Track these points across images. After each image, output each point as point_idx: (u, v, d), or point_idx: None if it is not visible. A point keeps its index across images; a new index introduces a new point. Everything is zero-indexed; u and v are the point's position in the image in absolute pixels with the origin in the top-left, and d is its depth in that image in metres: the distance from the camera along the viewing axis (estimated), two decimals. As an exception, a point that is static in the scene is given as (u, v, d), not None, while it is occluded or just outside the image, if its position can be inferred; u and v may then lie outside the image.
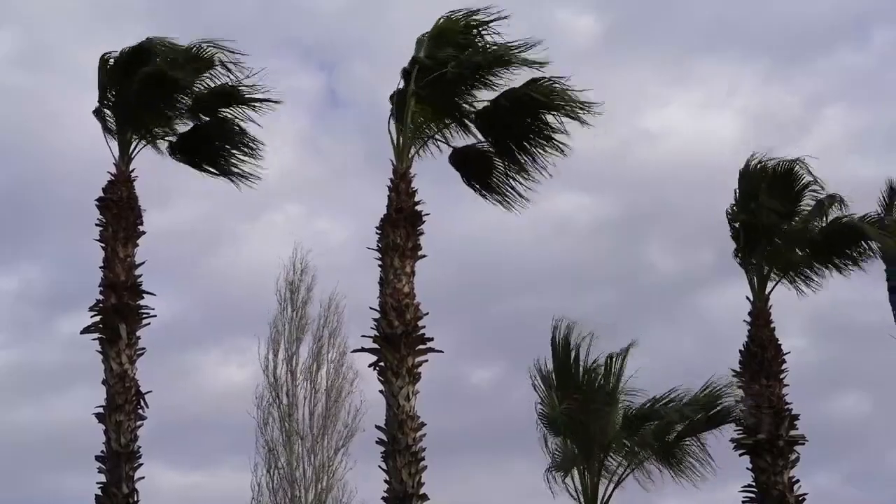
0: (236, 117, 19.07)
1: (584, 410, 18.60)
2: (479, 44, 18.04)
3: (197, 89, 18.82)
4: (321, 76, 51.90)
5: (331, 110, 51.27)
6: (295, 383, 31.96)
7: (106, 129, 18.74)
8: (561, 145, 18.15)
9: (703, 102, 47.93)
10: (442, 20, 18.02)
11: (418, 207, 17.53)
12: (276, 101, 18.72)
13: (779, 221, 19.21)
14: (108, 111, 18.72)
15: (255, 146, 19.24)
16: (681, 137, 44.15)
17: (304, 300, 32.89)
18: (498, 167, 18.81)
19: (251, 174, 19.41)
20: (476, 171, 18.91)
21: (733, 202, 19.44)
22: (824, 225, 19.44)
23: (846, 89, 48.32)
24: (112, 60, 18.46)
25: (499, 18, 17.78)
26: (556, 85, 17.68)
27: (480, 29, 17.99)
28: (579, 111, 17.66)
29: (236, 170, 19.44)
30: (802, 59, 48.15)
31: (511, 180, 18.77)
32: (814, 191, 19.60)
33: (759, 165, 19.44)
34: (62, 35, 39.70)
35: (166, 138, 19.21)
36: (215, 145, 19.40)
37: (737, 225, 19.28)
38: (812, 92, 47.39)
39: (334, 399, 31.83)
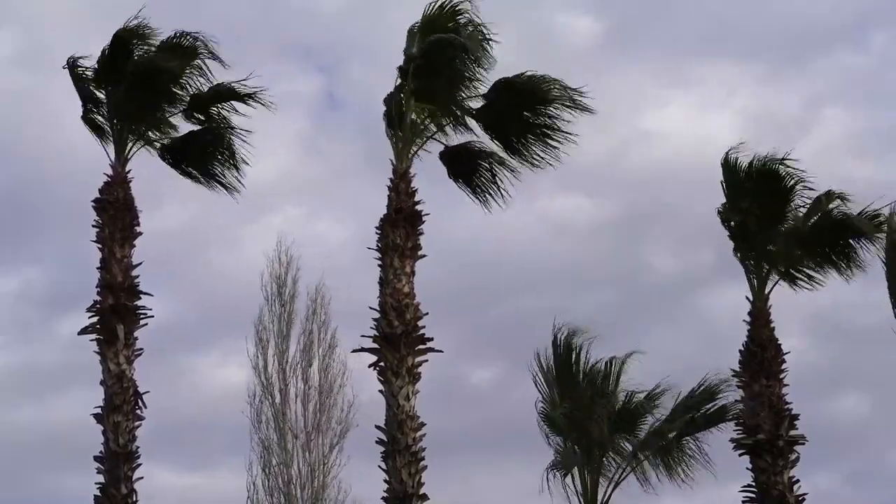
0: (229, 123, 18.94)
1: (584, 411, 18.54)
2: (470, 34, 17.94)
3: (184, 82, 18.63)
4: (321, 77, 51.78)
5: (330, 111, 51.21)
6: (286, 380, 31.36)
7: (98, 131, 18.65)
8: (567, 135, 18.16)
9: (702, 103, 47.86)
10: (430, 11, 17.87)
11: (418, 207, 17.51)
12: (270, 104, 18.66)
13: (769, 224, 19.06)
14: (98, 115, 18.64)
15: (238, 158, 19.03)
16: (680, 138, 44.07)
17: (290, 294, 31.91)
18: (483, 166, 18.73)
19: (234, 185, 19.28)
20: (462, 168, 18.81)
21: (723, 203, 19.30)
22: (815, 219, 19.20)
23: (846, 90, 48.25)
24: (98, 58, 18.31)
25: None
26: (547, 79, 17.66)
27: (464, 19, 17.89)
28: (573, 100, 17.67)
29: (221, 179, 19.27)
30: (802, 59, 48.08)
31: (497, 178, 18.75)
32: (804, 187, 19.35)
33: (738, 161, 19.13)
34: (62, 35, 39.62)
35: (160, 141, 19.06)
36: (204, 152, 19.20)
37: (730, 224, 19.16)
38: (811, 93, 47.33)
39: (326, 394, 31.31)
